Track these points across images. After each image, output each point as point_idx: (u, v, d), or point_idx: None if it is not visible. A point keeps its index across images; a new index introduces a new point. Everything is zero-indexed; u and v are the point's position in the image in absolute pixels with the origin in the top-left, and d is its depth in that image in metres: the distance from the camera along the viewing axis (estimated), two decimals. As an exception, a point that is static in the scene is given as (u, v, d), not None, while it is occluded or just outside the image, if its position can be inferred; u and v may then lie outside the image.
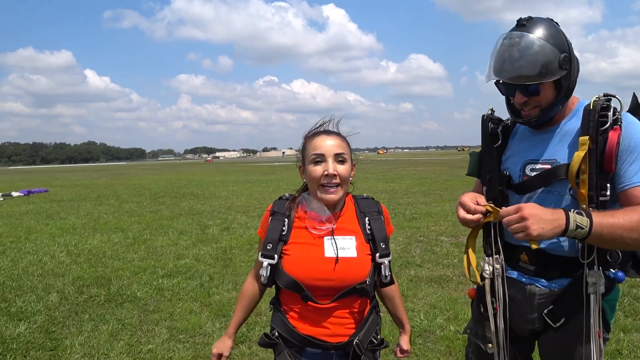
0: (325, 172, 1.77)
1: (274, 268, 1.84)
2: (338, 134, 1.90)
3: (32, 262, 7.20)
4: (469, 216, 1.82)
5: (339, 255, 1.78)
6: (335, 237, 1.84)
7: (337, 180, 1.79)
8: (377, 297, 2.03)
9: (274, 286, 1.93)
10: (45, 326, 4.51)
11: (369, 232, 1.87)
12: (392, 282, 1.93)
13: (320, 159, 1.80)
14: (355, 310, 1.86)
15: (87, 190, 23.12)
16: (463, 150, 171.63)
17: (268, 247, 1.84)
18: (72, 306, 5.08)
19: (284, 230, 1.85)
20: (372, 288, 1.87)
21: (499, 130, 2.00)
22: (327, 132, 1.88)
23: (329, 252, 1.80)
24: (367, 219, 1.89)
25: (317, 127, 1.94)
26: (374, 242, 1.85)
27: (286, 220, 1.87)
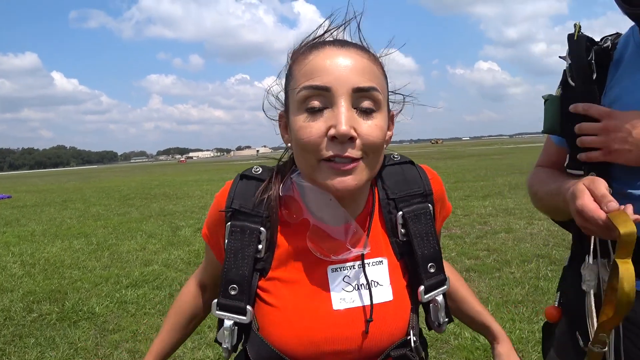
0: (332, 131, 0.81)
1: (244, 329, 0.96)
2: (363, 48, 0.90)
3: (-21, 276, 6.35)
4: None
5: (362, 304, 0.91)
6: (366, 261, 0.93)
7: (355, 152, 0.82)
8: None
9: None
10: (-20, 355, 3.75)
11: (403, 238, 0.96)
12: (448, 321, 1.04)
13: (320, 98, 0.83)
14: None
15: (53, 194, 21.95)
16: (436, 142, 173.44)
17: (232, 292, 0.92)
18: (17, 328, 4.29)
19: (259, 252, 0.92)
20: (421, 350, 0.98)
21: (590, 59, 1.14)
22: (341, 43, 0.89)
23: (339, 297, 0.91)
24: (400, 214, 0.95)
25: (318, 37, 0.93)
26: (414, 261, 0.95)
27: (263, 230, 0.92)
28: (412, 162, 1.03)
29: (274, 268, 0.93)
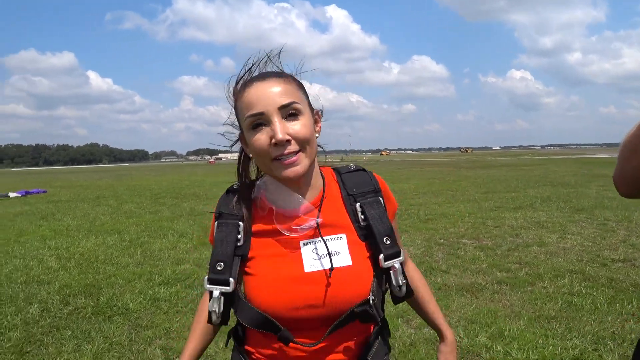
0: (273, 140, 1.13)
1: (229, 298, 1.21)
2: (280, 74, 1.23)
3: (18, 268, 6.56)
4: None
5: (327, 267, 1.17)
6: (324, 237, 1.20)
7: (294, 147, 1.14)
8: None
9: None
10: (20, 345, 3.87)
11: (363, 223, 1.24)
12: (409, 292, 1.27)
13: (260, 120, 1.15)
14: (355, 340, 1.24)
15: (87, 190, 22.50)
16: (466, 151, 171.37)
17: (218, 268, 1.19)
18: (54, 320, 4.43)
19: (239, 240, 1.21)
20: (379, 308, 1.24)
21: None
22: (263, 76, 1.21)
23: (309, 264, 1.18)
24: (358, 204, 1.26)
25: (248, 72, 1.25)
26: (374, 237, 1.22)
27: (240, 223, 1.23)
28: (364, 170, 1.34)
29: (252, 250, 1.21)
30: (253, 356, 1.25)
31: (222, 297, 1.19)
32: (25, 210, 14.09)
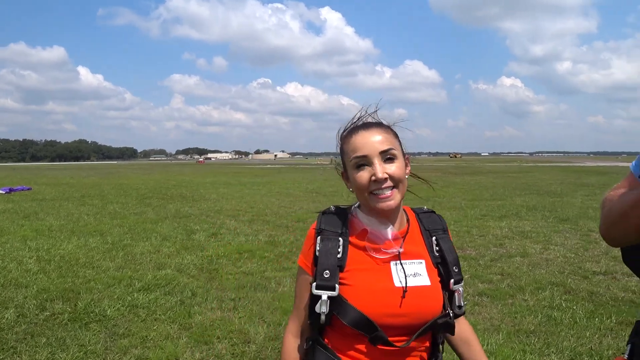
0: (373, 178, 1.40)
1: (332, 302, 1.41)
2: (380, 125, 1.50)
3: (-4, 270, 6.45)
4: None
5: (411, 284, 1.42)
6: (402, 261, 1.45)
7: (390, 183, 1.40)
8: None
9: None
10: (-8, 352, 3.80)
11: (437, 254, 1.52)
12: (463, 313, 1.54)
13: (363, 161, 1.42)
14: (423, 348, 1.50)
15: (72, 189, 22.26)
16: (455, 156, 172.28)
17: (325, 275, 1.41)
18: (30, 326, 4.35)
19: (339, 253, 1.45)
20: (453, 319, 1.50)
21: None
22: (366, 126, 1.48)
23: (397, 280, 1.43)
24: (434, 238, 1.54)
25: (354, 122, 1.54)
26: (446, 265, 1.50)
27: (341, 240, 1.47)
28: (433, 212, 1.62)
29: (348, 264, 1.43)
30: (339, 354, 1.44)
31: (329, 301, 1.38)
32: (8, 208, 13.90)
